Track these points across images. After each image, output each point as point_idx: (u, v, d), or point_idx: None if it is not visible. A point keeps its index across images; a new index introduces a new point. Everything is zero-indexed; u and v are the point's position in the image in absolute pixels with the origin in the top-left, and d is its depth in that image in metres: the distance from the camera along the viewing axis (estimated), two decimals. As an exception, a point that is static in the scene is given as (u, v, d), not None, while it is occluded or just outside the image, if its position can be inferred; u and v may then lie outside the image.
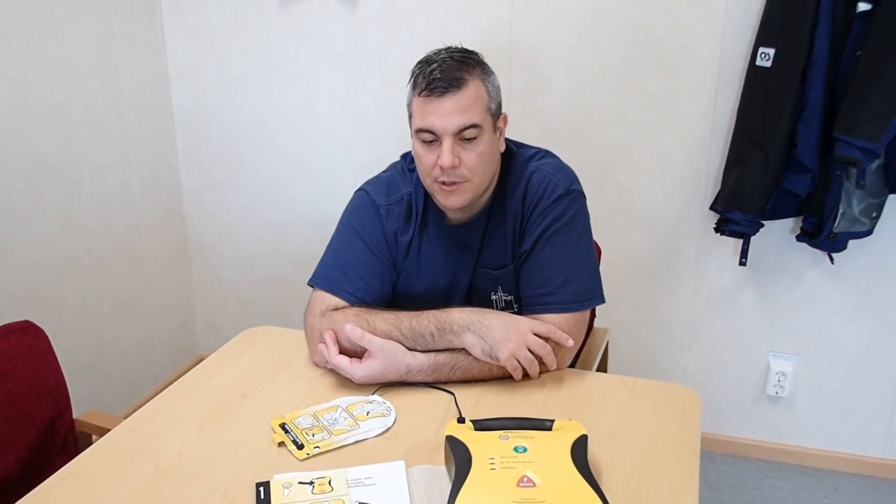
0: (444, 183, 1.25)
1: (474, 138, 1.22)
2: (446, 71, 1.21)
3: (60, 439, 1.37)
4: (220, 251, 2.53)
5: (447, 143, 1.21)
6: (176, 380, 1.27)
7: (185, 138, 2.42)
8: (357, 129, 2.26)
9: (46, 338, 1.36)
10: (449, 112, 1.20)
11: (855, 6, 1.68)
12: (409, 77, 1.27)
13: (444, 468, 1.02)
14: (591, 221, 1.35)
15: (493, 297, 1.38)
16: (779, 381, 2.12)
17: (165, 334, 2.49)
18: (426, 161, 1.25)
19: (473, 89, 1.22)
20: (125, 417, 1.19)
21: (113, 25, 2.13)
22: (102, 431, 1.37)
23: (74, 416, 1.41)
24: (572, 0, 1.97)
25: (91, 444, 1.31)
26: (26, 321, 1.34)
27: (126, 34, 2.18)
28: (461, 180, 1.24)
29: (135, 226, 2.29)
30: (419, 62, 1.26)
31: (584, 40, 1.99)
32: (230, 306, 2.59)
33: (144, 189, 2.32)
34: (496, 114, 1.28)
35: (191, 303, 2.60)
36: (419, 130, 1.24)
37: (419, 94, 1.23)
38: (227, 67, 2.31)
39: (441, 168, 1.22)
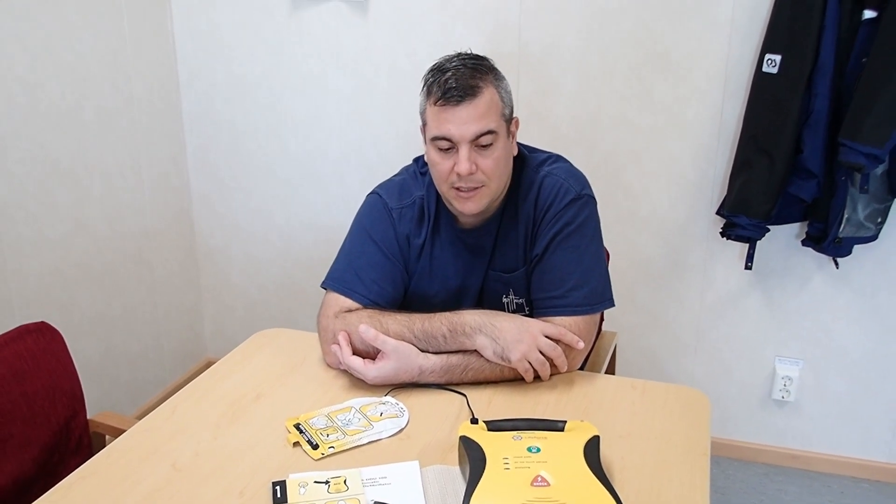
0: (460, 189, 1.26)
1: (490, 144, 1.24)
2: (461, 79, 1.22)
3: (75, 439, 1.38)
4: (229, 255, 2.54)
5: (464, 150, 1.22)
6: (185, 383, 1.29)
7: (194, 142, 2.44)
8: (366, 134, 2.28)
9: (62, 339, 1.37)
10: (465, 120, 1.21)
11: (860, 13, 1.70)
12: (423, 85, 1.28)
13: (457, 468, 1.03)
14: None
15: (505, 300, 1.39)
16: (785, 385, 2.13)
17: (174, 337, 2.50)
18: (442, 168, 1.26)
19: (488, 96, 1.23)
20: (136, 419, 1.20)
21: (124, 30, 2.15)
22: (116, 432, 1.38)
23: (88, 417, 1.42)
24: (580, 6, 1.99)
25: (104, 444, 1.32)
26: (42, 322, 1.35)
27: (137, 39, 2.20)
28: (478, 185, 1.26)
29: (144, 229, 2.31)
30: (432, 70, 1.27)
31: (592, 46, 2.01)
32: (238, 310, 2.60)
33: (154, 192, 2.34)
34: (509, 118, 1.29)
35: (199, 306, 2.62)
36: (435, 138, 1.25)
37: (434, 103, 1.24)
38: (237, 72, 2.33)
39: (458, 175, 1.24)
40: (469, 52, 1.30)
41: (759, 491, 2.11)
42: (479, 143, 1.23)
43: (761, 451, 2.22)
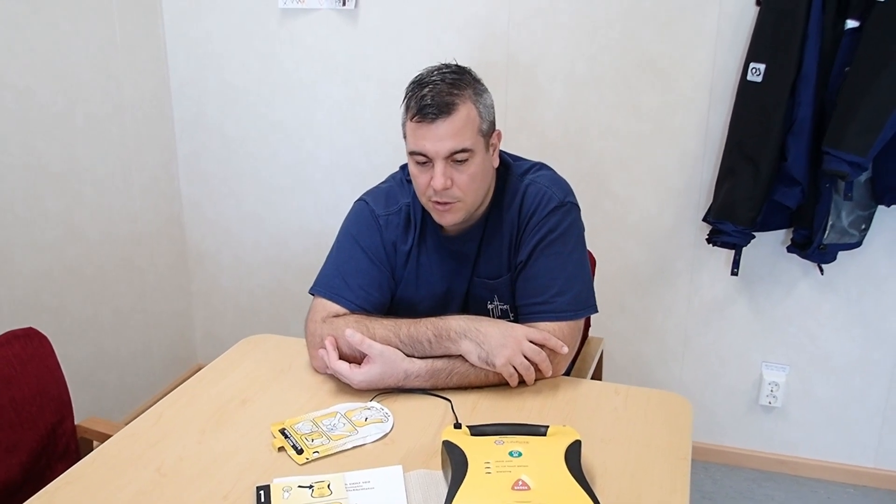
0: (437, 203, 1.28)
1: (466, 160, 1.25)
2: (437, 96, 1.23)
3: (62, 445, 1.39)
4: (219, 260, 2.55)
5: (439, 166, 1.24)
6: (174, 388, 1.29)
7: (185, 148, 2.45)
8: (355, 141, 2.29)
9: (49, 345, 1.38)
10: (440, 137, 1.23)
11: (843, 23, 1.72)
12: (403, 97, 1.29)
13: (440, 472, 1.04)
14: (586, 233, 1.38)
15: (490, 306, 1.40)
16: (771, 391, 2.15)
17: (164, 343, 2.51)
18: (420, 181, 1.28)
19: (464, 112, 1.24)
20: (125, 424, 1.21)
21: (116, 37, 2.16)
22: (103, 437, 1.38)
23: (76, 423, 1.43)
24: (568, 15, 2.01)
25: (92, 450, 1.32)
26: (30, 328, 1.36)
27: (128, 45, 2.21)
28: (454, 200, 1.27)
29: (135, 235, 2.32)
30: (412, 83, 1.29)
31: (580, 55, 2.03)
32: (228, 315, 2.60)
33: (145, 198, 2.34)
34: (488, 132, 1.30)
35: (189, 311, 2.62)
36: (413, 153, 1.27)
37: (411, 119, 1.26)
38: (228, 79, 2.34)
39: (434, 189, 1.25)
40: (454, 62, 1.31)
41: (747, 496, 2.13)
42: (455, 158, 1.25)
43: (748, 456, 2.24)
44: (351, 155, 2.31)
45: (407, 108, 1.27)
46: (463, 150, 1.24)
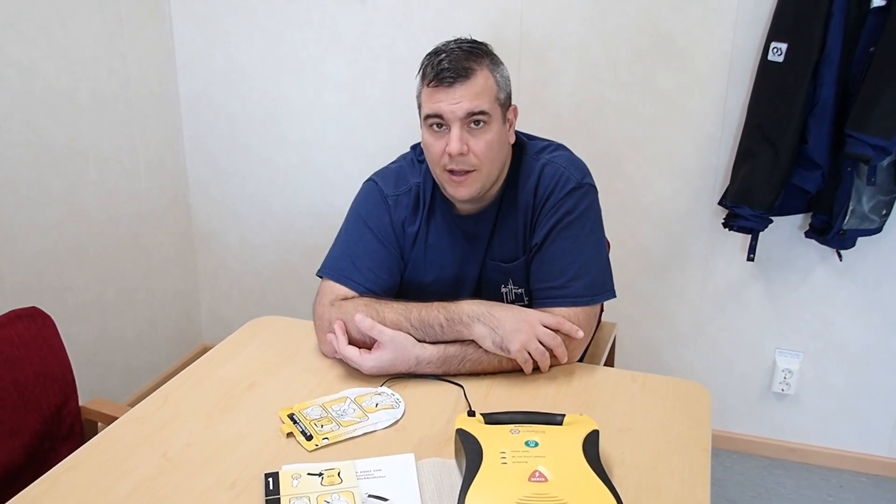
0: (452, 172, 1.24)
1: (483, 125, 1.22)
2: (455, 61, 1.21)
3: (66, 427, 1.37)
4: (225, 240, 2.52)
5: (455, 129, 1.21)
6: (180, 369, 1.26)
7: (191, 127, 2.41)
8: (364, 120, 2.25)
9: (53, 325, 1.35)
10: (457, 99, 1.20)
11: (869, 1, 1.66)
12: (419, 69, 1.27)
13: (453, 461, 1.02)
14: (600, 215, 1.35)
15: (503, 290, 1.37)
16: (785, 378, 2.12)
17: (169, 323, 2.48)
18: (435, 149, 1.24)
19: (482, 79, 1.22)
20: (129, 406, 1.18)
21: (121, 13, 2.12)
22: (108, 419, 1.37)
23: (80, 404, 1.41)
24: (583, -8, 1.95)
25: (97, 431, 1.31)
26: (33, 307, 1.33)
27: (134, 22, 2.17)
28: (470, 168, 1.24)
29: (140, 214, 2.29)
30: (428, 54, 1.27)
31: (594, 33, 1.98)
32: (234, 296, 2.58)
33: (150, 177, 2.31)
34: (505, 104, 1.27)
35: (195, 292, 2.59)
36: (428, 117, 1.24)
37: (428, 84, 1.23)
38: (235, 56, 2.29)
39: (449, 155, 1.22)
40: (468, 37, 1.28)
41: (757, 484, 2.10)
42: (471, 123, 1.22)
43: (760, 443, 2.21)
44: (358, 135, 2.27)
45: (423, 75, 1.25)
46: (480, 113, 1.21)
